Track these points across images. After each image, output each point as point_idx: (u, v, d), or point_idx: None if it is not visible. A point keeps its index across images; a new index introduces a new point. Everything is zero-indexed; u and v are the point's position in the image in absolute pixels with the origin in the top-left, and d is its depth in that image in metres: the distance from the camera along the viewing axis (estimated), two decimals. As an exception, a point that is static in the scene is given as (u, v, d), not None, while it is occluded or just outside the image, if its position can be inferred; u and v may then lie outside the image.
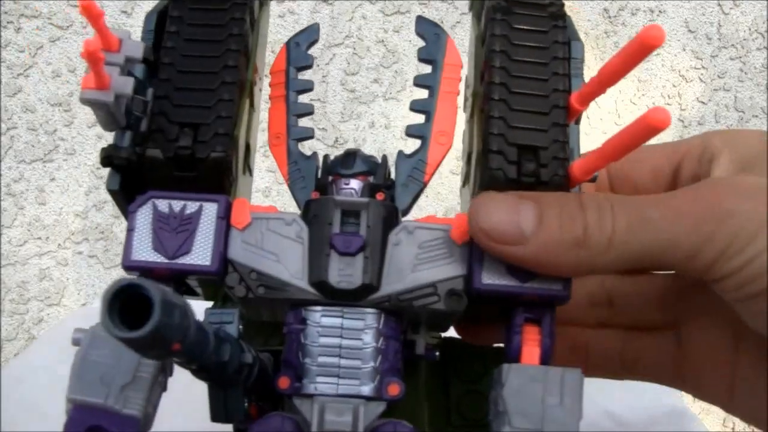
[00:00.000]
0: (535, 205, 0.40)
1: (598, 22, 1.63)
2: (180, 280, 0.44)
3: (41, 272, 1.49)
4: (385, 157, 0.48)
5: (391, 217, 0.44)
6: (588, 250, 0.39)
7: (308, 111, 0.50)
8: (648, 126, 0.37)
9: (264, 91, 0.52)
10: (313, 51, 0.51)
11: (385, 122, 1.61)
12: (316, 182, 0.47)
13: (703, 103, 1.61)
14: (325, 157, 0.48)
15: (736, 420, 1.45)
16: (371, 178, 0.47)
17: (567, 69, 0.45)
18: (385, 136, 1.60)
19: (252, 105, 0.49)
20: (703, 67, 1.63)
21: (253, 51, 0.48)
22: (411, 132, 0.49)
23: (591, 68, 0.41)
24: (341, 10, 1.64)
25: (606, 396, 0.82)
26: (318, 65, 1.48)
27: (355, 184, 0.46)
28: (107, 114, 0.41)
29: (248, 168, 0.50)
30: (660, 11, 1.65)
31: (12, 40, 1.61)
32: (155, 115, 0.44)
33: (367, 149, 0.51)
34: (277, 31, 1.49)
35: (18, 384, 0.77)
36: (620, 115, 1.55)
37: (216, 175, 0.43)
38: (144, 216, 0.43)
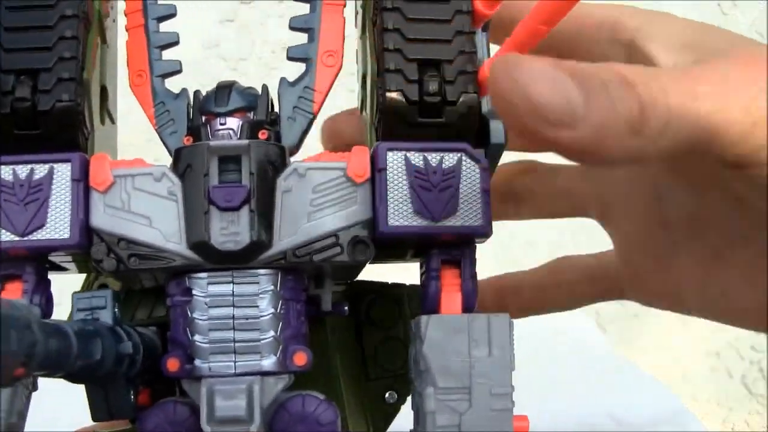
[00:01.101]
0: (574, 78, 0.31)
1: (598, 22, 1.63)
2: (40, 258, 0.38)
3: (41, 272, 1.49)
4: (265, 88, 0.42)
5: (278, 160, 0.38)
6: (644, 133, 0.32)
7: (172, 41, 0.43)
8: None
9: (120, 22, 0.44)
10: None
11: (385, 122, 1.61)
12: (188, 124, 0.41)
13: (702, 103, 1.61)
14: (196, 93, 0.41)
15: (736, 420, 1.45)
16: (251, 114, 0.40)
17: None
18: (385, 136, 1.60)
19: (104, 40, 0.42)
20: (703, 67, 1.63)
21: None
22: (293, 55, 0.42)
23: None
24: (341, 10, 1.63)
25: (606, 396, 0.82)
26: (318, 65, 1.48)
27: (232, 123, 0.40)
28: None
29: (108, 115, 0.43)
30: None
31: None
32: None
33: (367, 149, 0.44)
34: (276, 31, 1.49)
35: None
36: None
37: (65, 129, 0.37)
38: None
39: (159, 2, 0.43)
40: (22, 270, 0.38)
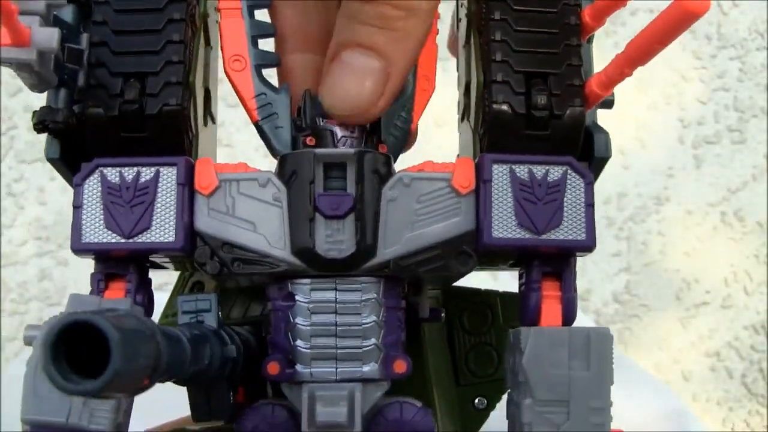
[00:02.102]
0: None
1: (598, 22, 1.63)
2: (142, 258, 0.38)
3: (41, 272, 1.49)
4: None
5: (384, 169, 0.38)
6: None
7: (268, 33, 0.42)
8: (684, 11, 0.31)
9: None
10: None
11: (385, 122, 1.60)
12: (309, 124, 0.39)
13: (702, 103, 1.61)
14: (306, 92, 0.40)
15: (736, 420, 1.45)
16: (368, 126, 0.40)
17: None
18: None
19: (208, 42, 0.41)
20: (703, 67, 1.63)
21: None
22: None
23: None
24: (341, 10, 1.63)
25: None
26: (318, 65, 1.48)
27: (357, 132, 0.39)
28: (32, 74, 0.34)
29: (210, 117, 0.43)
30: (660, 11, 1.65)
31: (12, 40, 1.61)
32: (93, 67, 0.37)
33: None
34: (277, 31, 1.49)
35: (18, 384, 0.77)
36: (618, 117, 1.55)
37: (171, 132, 0.37)
38: (92, 189, 0.37)
39: None
40: (125, 270, 0.38)
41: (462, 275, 0.39)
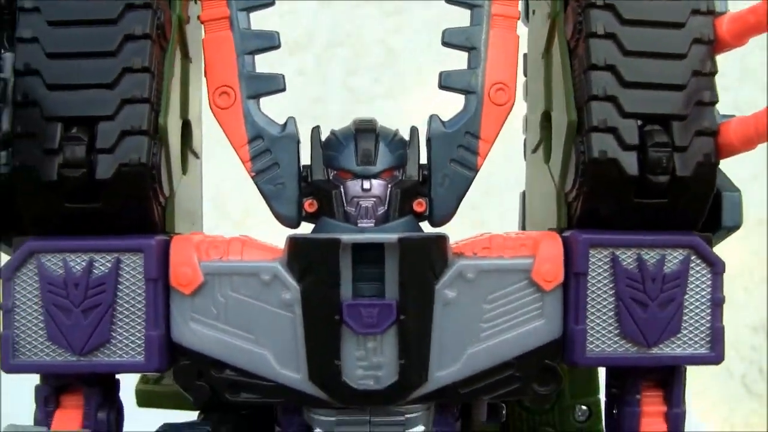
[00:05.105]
0: None
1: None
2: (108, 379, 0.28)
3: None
4: (415, 132, 0.31)
5: (438, 259, 0.27)
6: None
7: (269, 44, 0.31)
8: None
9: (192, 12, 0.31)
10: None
11: (386, 122, 1.60)
12: (311, 183, 0.30)
13: (703, 102, 1.61)
14: (315, 132, 0.30)
15: (736, 420, 1.45)
16: (400, 173, 0.30)
17: None
18: (385, 135, 1.59)
19: (186, 54, 0.31)
20: (703, 67, 1.63)
21: None
22: (450, 83, 0.31)
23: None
24: (341, 9, 1.64)
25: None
26: (318, 65, 1.48)
27: (378, 187, 0.29)
28: None
29: (193, 154, 0.33)
30: None
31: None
32: (21, 106, 0.26)
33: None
34: (278, 30, 1.49)
35: (18, 383, 0.77)
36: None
37: (135, 202, 0.27)
38: (26, 285, 0.27)
39: None
40: (81, 383, 0.29)
41: (542, 401, 0.30)
